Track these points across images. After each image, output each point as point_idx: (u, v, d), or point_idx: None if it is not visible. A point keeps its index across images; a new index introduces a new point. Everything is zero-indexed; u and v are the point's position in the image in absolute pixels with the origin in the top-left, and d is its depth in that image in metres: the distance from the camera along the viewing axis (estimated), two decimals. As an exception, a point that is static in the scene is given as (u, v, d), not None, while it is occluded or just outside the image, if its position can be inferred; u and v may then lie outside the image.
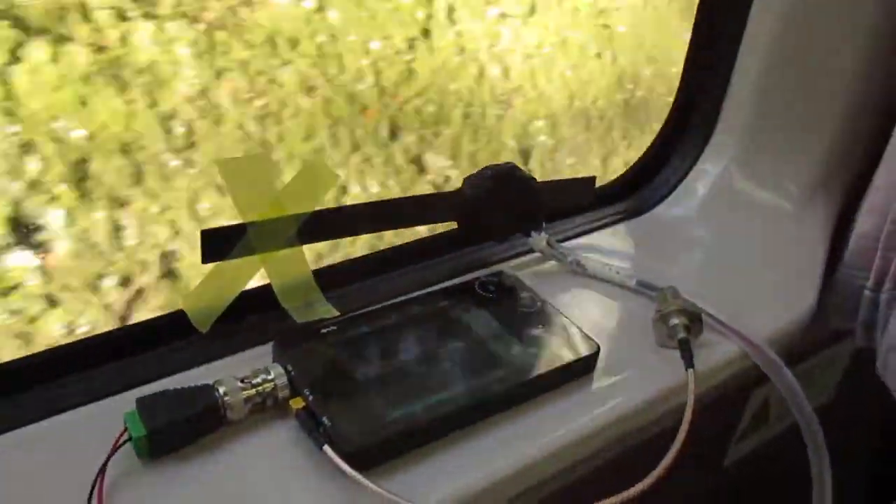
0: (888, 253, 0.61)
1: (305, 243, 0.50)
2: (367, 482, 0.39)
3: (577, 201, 0.63)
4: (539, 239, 0.58)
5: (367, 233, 0.52)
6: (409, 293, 0.54)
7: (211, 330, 0.48)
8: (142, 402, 0.41)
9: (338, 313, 0.51)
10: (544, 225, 0.58)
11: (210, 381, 0.43)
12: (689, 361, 0.49)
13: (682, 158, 0.70)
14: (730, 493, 0.93)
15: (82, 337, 0.47)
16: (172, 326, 0.48)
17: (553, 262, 0.60)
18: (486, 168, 0.55)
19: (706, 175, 0.70)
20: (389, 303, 0.52)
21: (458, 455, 0.43)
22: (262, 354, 0.48)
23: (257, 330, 0.50)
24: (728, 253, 0.66)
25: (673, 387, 0.50)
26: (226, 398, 0.42)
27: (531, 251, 0.60)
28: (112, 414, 0.42)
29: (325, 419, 0.42)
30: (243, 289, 0.49)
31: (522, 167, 0.56)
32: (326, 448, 0.41)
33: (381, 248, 0.58)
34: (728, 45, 0.66)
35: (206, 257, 0.46)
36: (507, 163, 0.56)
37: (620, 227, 0.67)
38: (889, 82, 0.63)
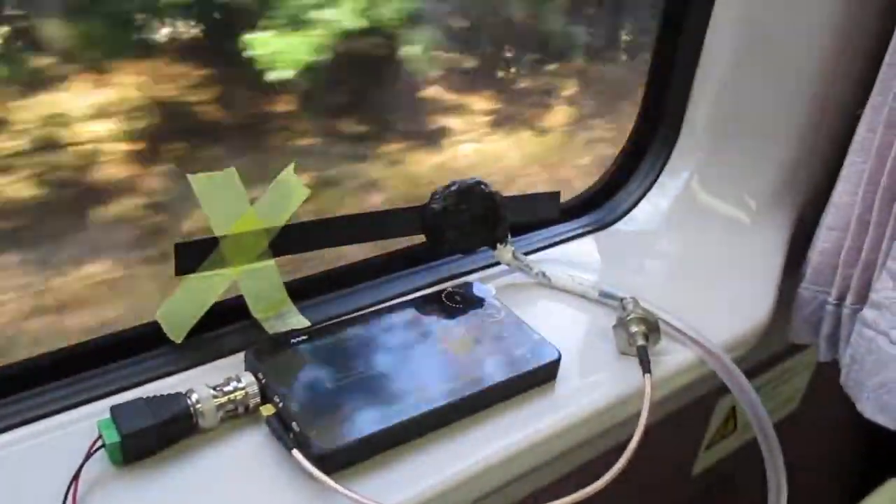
0: (848, 270, 0.63)
1: (277, 256, 0.51)
2: (335, 485, 0.41)
3: (543, 215, 0.65)
4: (504, 251, 0.60)
5: (336, 245, 0.54)
6: (379, 304, 0.56)
7: (185, 340, 0.50)
8: (115, 410, 0.42)
9: (309, 324, 0.52)
10: (510, 238, 0.60)
11: (182, 390, 0.44)
12: (646, 367, 0.51)
13: (646, 173, 0.73)
14: (699, 501, 0.95)
15: (57, 348, 0.48)
16: (146, 337, 0.49)
17: (519, 274, 0.61)
18: (452, 182, 0.57)
19: (668, 189, 0.72)
20: (359, 313, 0.53)
21: (424, 459, 0.45)
22: (234, 364, 0.49)
23: (230, 340, 0.51)
24: (689, 264, 0.68)
25: (632, 392, 0.52)
26: (198, 405, 0.43)
27: (498, 263, 0.62)
28: (86, 422, 0.44)
29: (294, 425, 0.43)
30: (216, 300, 0.50)
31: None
32: (295, 452, 0.42)
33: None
34: (688, 60, 0.69)
35: (180, 269, 0.48)
36: (472, 178, 0.58)
37: (586, 240, 0.69)
38: (847, 88, 0.65)
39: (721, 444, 0.90)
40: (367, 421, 0.44)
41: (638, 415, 0.50)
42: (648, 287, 0.63)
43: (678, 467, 0.87)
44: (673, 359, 0.55)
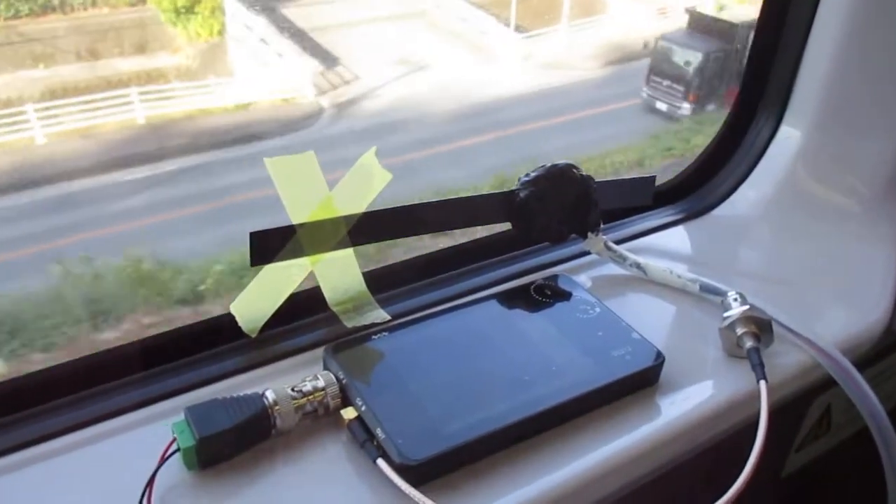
0: None
1: (356, 245, 0.48)
2: (422, 497, 0.37)
3: (636, 201, 0.60)
4: (596, 241, 0.56)
5: (419, 234, 0.50)
6: (462, 297, 0.52)
7: (259, 334, 0.47)
8: (190, 411, 0.40)
9: (389, 318, 0.49)
10: (601, 226, 0.56)
11: (259, 387, 0.41)
12: (760, 373, 0.46)
13: (745, 156, 0.67)
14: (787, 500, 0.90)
15: (128, 342, 0.46)
16: (220, 330, 0.46)
17: (611, 266, 0.57)
18: (541, 167, 0.53)
19: (770, 174, 0.66)
20: (441, 308, 0.50)
21: (514, 470, 0.41)
22: (311, 360, 0.46)
23: (307, 335, 0.48)
24: (793, 256, 0.62)
25: (742, 400, 0.47)
26: (276, 407, 0.40)
27: (587, 254, 0.57)
28: (159, 420, 0.41)
29: (378, 431, 0.40)
30: (292, 292, 0.47)
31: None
32: (380, 461, 0.39)
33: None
34: (796, 35, 0.63)
35: (255, 259, 0.45)
36: (564, 162, 0.54)
37: (679, 229, 0.64)
38: None
39: (813, 445, 0.84)
40: (456, 428, 0.40)
41: (746, 423, 0.45)
42: (748, 281, 0.58)
43: (767, 469, 0.82)
44: (785, 362, 0.50)
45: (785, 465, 0.83)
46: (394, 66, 2.99)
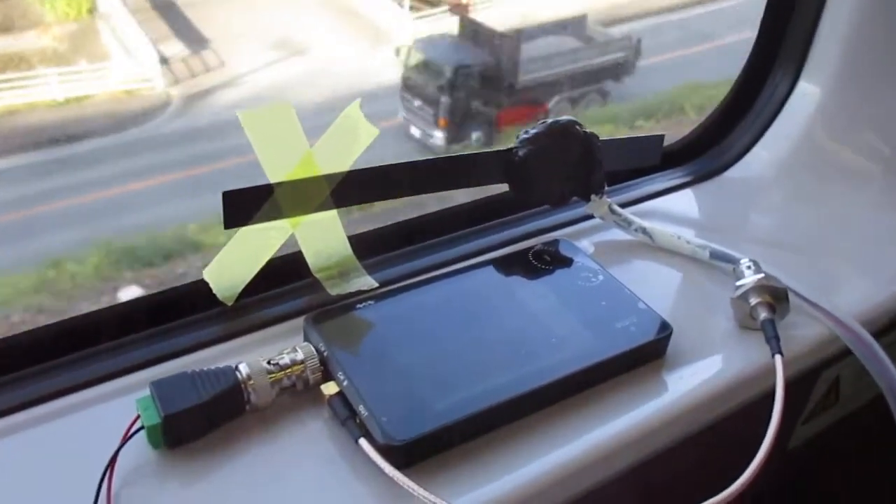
0: None
1: (340, 206, 0.44)
2: (407, 482, 0.34)
3: (643, 162, 0.56)
4: (600, 203, 0.52)
5: (408, 195, 0.46)
6: (455, 263, 0.49)
7: (236, 303, 0.44)
8: (156, 386, 0.36)
9: (376, 285, 0.46)
10: (605, 188, 0.52)
11: (233, 360, 0.38)
12: (776, 347, 0.43)
13: (760, 114, 0.63)
14: (794, 476, 0.87)
15: (93, 309, 0.42)
16: (193, 298, 0.43)
17: (615, 231, 0.53)
18: (542, 123, 0.49)
19: (786, 133, 0.62)
20: (432, 275, 0.46)
21: (511, 450, 0.38)
22: (291, 331, 0.43)
23: (287, 302, 0.45)
24: (809, 221, 0.59)
25: (754, 375, 0.44)
26: (250, 382, 0.37)
27: (590, 217, 0.54)
28: (124, 397, 0.38)
29: (361, 408, 0.37)
30: (271, 257, 0.44)
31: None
32: (362, 441, 0.36)
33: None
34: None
35: (230, 222, 0.41)
36: (566, 118, 0.50)
37: (688, 192, 0.60)
38: None
39: (821, 417, 0.81)
40: (447, 405, 0.37)
41: (759, 399, 0.42)
42: (762, 247, 0.54)
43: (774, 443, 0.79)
44: (801, 334, 0.47)
45: (791, 437, 0.81)
46: (269, 51, 2.68)
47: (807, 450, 0.84)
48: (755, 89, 0.64)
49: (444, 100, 2.82)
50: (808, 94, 0.62)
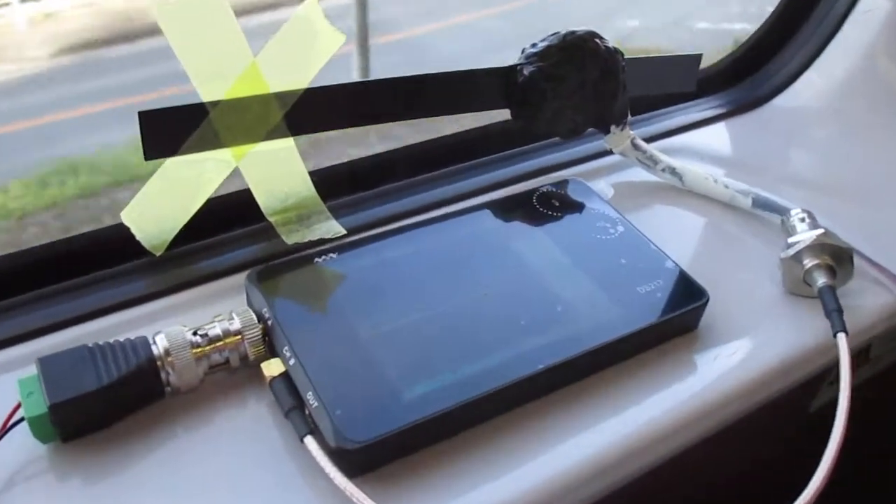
0: None
1: (298, 134, 0.35)
2: (361, 496, 0.26)
3: (675, 87, 0.47)
4: (621, 137, 0.43)
5: (383, 121, 0.37)
6: (441, 207, 0.40)
7: (166, 252, 0.35)
8: (44, 364, 0.28)
9: (344, 231, 0.37)
10: (629, 118, 0.43)
11: (152, 329, 0.30)
12: (839, 323, 0.35)
13: (813, 32, 0.53)
14: (814, 437, 0.81)
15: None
16: (106, 248, 0.34)
17: (638, 170, 0.45)
18: (553, 34, 0.40)
19: (844, 56, 0.53)
20: (412, 220, 0.38)
21: (500, 452, 0.30)
22: (234, 289, 0.34)
23: (230, 253, 0.36)
24: (870, 163, 0.50)
25: (808, 355, 0.36)
26: (168, 358, 0.29)
27: (609, 153, 0.45)
28: (7, 374, 0.30)
29: (309, 396, 0.28)
30: (209, 196, 0.35)
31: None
32: (308, 440, 0.28)
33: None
34: None
35: (151, 151, 0.32)
36: (584, 29, 0.40)
37: (727, 125, 0.52)
38: None
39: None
40: (419, 396, 0.29)
41: (813, 380, 0.37)
42: (815, 194, 0.46)
43: (797, 403, 0.73)
44: (863, 304, 0.39)
45: (815, 398, 0.75)
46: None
47: (829, 410, 0.78)
48: (807, 5, 0.54)
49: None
50: (873, 8, 0.53)
